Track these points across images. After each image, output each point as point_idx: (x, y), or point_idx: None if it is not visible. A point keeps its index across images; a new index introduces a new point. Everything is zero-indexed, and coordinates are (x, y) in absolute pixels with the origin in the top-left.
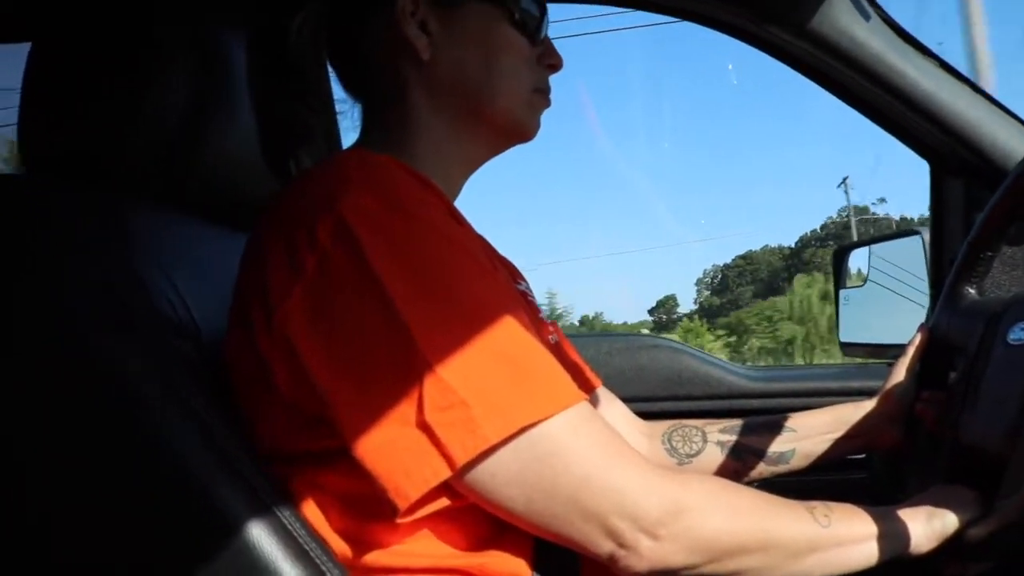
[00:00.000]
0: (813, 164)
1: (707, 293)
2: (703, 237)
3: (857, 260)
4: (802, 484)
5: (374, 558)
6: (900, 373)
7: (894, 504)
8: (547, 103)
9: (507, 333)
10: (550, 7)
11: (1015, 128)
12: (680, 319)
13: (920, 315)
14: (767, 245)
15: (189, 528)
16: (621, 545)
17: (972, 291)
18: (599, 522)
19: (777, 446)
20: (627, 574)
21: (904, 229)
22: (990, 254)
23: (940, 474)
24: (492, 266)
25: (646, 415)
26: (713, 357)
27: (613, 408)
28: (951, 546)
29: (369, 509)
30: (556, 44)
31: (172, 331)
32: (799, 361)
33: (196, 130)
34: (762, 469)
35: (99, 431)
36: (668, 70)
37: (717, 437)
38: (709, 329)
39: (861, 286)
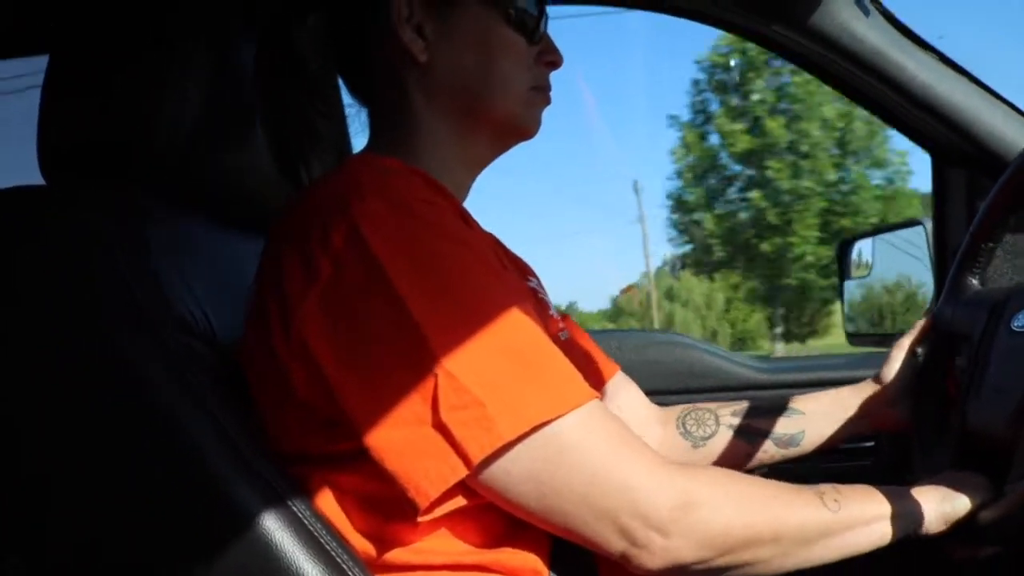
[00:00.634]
0: None
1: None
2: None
3: (860, 251)
4: (811, 471)
5: (394, 556)
6: (899, 355)
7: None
8: (547, 101)
9: (519, 332)
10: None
11: (1014, 119)
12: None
13: (924, 304)
14: None
15: (207, 526)
16: (633, 543)
17: (975, 282)
18: (610, 520)
19: (786, 428)
20: (641, 572)
21: (907, 219)
22: (992, 245)
23: (947, 461)
24: (502, 265)
25: None
26: (722, 350)
27: (630, 394)
28: (961, 530)
29: (388, 508)
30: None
31: (188, 332)
32: None
33: (212, 133)
34: (774, 452)
35: (117, 429)
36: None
37: (729, 420)
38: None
39: (865, 276)
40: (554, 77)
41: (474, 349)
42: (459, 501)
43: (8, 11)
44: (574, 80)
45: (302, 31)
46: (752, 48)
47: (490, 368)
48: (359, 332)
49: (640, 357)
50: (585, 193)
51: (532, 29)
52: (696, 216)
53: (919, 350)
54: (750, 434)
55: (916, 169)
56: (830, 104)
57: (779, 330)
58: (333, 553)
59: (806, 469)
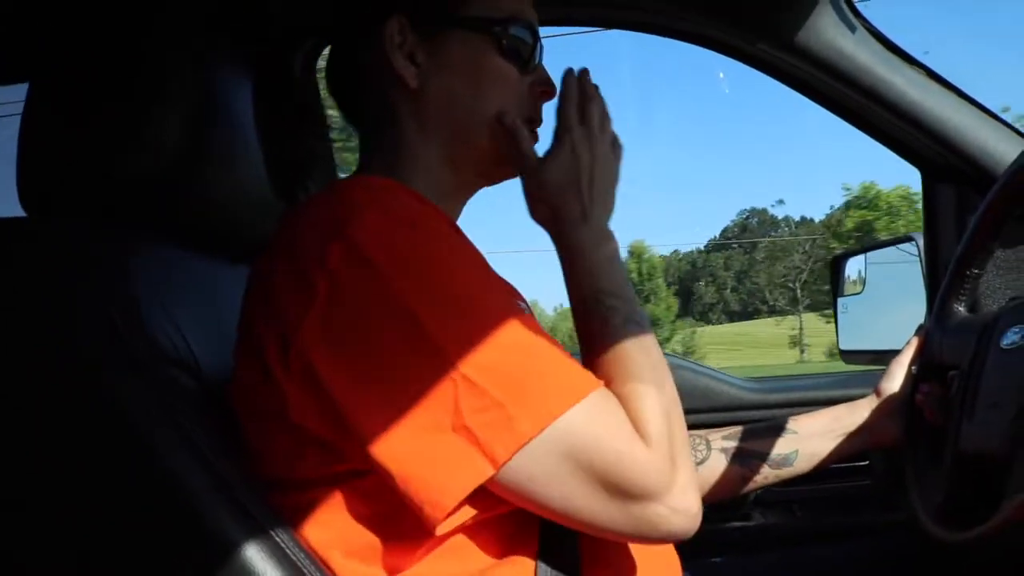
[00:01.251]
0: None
1: None
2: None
3: (853, 268)
4: (806, 493)
5: None
6: (896, 373)
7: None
8: (534, 138)
9: (524, 333)
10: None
11: (1003, 133)
12: None
13: (918, 319)
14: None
15: (188, 555)
16: (657, 511)
17: (961, 309)
18: (630, 497)
19: (780, 448)
20: (674, 539)
21: (899, 235)
22: (976, 272)
23: (942, 482)
24: (496, 277)
25: None
26: (712, 370)
27: None
28: (963, 543)
29: (378, 531)
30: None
31: (170, 362)
32: None
33: (194, 163)
34: (767, 473)
35: (96, 458)
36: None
37: (721, 444)
38: None
39: (858, 293)
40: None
41: (486, 352)
42: (464, 515)
43: None
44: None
45: (297, 56)
46: None
47: (504, 370)
48: (366, 347)
49: None
50: None
51: (526, 59)
52: None
53: (915, 368)
54: (742, 457)
55: None
56: None
57: None
58: None
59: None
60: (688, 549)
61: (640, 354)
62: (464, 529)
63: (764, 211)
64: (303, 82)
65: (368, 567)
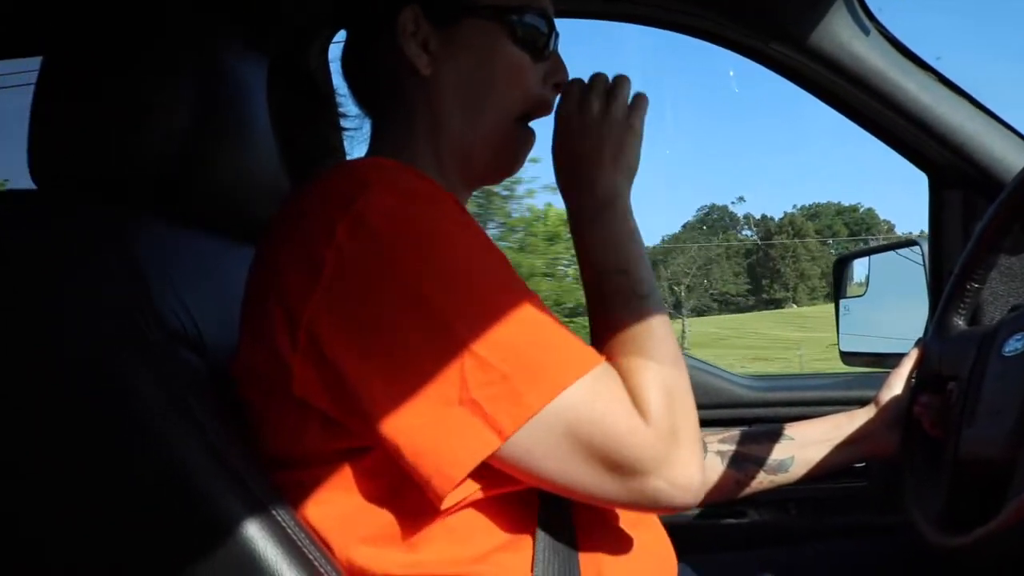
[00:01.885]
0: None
1: None
2: None
3: (857, 270)
4: (803, 494)
5: (383, 565)
6: (896, 382)
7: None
8: (531, 141)
9: (529, 309)
10: None
11: (1012, 140)
12: None
13: (920, 324)
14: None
15: (190, 534)
16: (655, 490)
17: (960, 322)
18: (633, 469)
19: (777, 454)
20: (675, 511)
21: (904, 239)
22: (977, 286)
23: (942, 489)
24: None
25: None
26: (713, 367)
27: None
28: (965, 546)
29: (376, 512)
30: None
31: (177, 341)
32: None
33: (204, 146)
34: (762, 478)
35: (102, 436)
36: None
37: (718, 447)
38: None
39: (861, 296)
40: None
41: (492, 327)
42: (467, 490)
43: (5, 13)
44: None
45: (313, 44)
46: None
47: (510, 343)
48: (374, 321)
49: None
50: None
51: (540, 47)
52: None
53: (913, 379)
54: (739, 461)
55: None
56: None
57: None
58: (316, 563)
59: (797, 492)
60: (683, 544)
61: (644, 329)
62: (464, 510)
63: (724, 208)
64: (317, 71)
65: (368, 547)
